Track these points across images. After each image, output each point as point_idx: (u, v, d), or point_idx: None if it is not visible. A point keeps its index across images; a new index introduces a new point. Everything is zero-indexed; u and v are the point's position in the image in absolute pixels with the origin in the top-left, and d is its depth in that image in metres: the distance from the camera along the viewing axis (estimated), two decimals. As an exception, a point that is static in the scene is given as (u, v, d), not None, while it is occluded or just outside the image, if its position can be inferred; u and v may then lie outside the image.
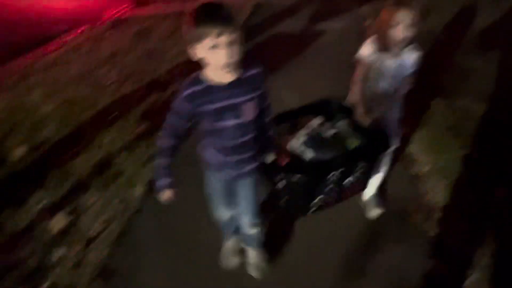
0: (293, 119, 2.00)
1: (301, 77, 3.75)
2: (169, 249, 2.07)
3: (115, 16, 6.09)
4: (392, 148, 2.08)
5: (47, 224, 2.22)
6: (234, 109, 1.39)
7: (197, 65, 1.35)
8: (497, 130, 2.86)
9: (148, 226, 2.21)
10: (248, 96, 1.40)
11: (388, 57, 1.90)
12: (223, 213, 1.80)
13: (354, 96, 1.98)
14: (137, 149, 2.79)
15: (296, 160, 1.81)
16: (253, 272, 1.94)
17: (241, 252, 1.98)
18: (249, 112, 1.42)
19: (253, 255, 1.95)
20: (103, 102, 3.43)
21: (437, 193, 2.35)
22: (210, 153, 1.55)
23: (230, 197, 1.71)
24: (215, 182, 1.66)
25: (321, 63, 4.07)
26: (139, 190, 2.43)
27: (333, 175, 1.77)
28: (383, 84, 1.96)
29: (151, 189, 2.37)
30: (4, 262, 1.99)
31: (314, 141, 1.89)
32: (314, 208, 1.89)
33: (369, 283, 1.88)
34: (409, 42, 1.85)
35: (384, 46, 1.89)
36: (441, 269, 1.91)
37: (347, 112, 1.98)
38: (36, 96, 3.62)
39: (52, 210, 2.31)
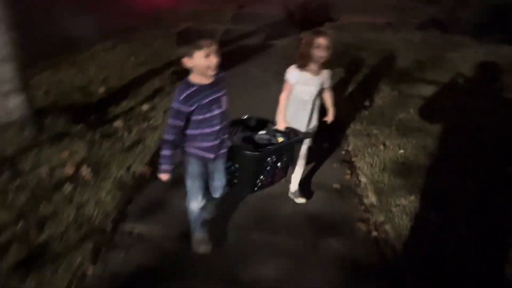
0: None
1: (261, 68, 6.36)
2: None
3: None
4: (306, 146, 2.91)
5: (138, 108, 4.55)
6: (217, 102, 2.07)
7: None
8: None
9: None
10: (223, 92, 2.11)
11: (310, 74, 2.61)
12: (198, 202, 2.34)
13: (279, 107, 2.70)
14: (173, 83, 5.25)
15: (247, 145, 2.43)
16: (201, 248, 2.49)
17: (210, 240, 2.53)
18: (225, 103, 2.13)
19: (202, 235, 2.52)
20: (140, 71, 5.84)
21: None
22: (199, 141, 2.12)
23: (205, 181, 2.32)
24: (197, 167, 2.21)
25: (271, 62, 6.79)
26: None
27: (271, 159, 2.42)
28: (307, 97, 2.67)
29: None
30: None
31: (249, 140, 2.56)
32: (258, 186, 2.49)
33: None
34: (325, 61, 2.56)
35: (306, 65, 2.57)
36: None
37: (265, 122, 2.73)
38: (93, 70, 5.94)
39: (137, 106, 4.64)
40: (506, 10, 7.01)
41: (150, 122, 4.19)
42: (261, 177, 2.48)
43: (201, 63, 1.96)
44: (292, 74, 2.66)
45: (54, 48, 7.34)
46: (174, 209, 2.87)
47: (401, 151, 3.64)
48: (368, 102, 4.74)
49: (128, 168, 3.25)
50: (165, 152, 2.09)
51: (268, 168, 2.47)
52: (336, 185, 3.31)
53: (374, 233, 2.74)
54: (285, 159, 2.58)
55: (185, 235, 2.57)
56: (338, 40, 7.58)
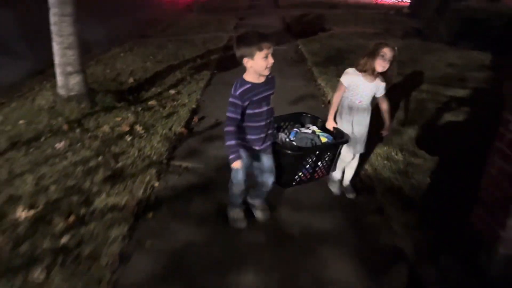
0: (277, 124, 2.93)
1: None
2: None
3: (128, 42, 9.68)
4: (359, 154, 3.19)
5: (166, 93, 5.61)
6: (266, 99, 2.38)
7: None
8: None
9: (213, 88, 5.72)
10: (272, 91, 2.41)
11: (365, 79, 2.82)
12: (239, 189, 2.66)
13: (331, 107, 2.98)
14: (191, 75, 6.33)
15: (285, 144, 2.74)
16: (261, 216, 2.90)
17: (246, 218, 2.86)
18: (271, 102, 2.44)
19: (261, 204, 2.92)
20: (161, 67, 6.91)
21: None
22: (249, 132, 2.41)
23: (249, 168, 2.59)
24: (245, 156, 2.46)
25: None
26: (202, 84, 5.93)
27: (311, 158, 2.67)
28: (357, 101, 2.90)
29: (209, 83, 5.91)
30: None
31: (296, 136, 2.86)
32: (296, 181, 2.73)
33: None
34: (384, 72, 2.76)
35: (365, 70, 2.78)
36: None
37: (316, 120, 3.04)
38: (119, 66, 7.01)
39: (164, 91, 5.70)
40: (475, 22, 8.27)
41: (179, 101, 5.24)
42: (300, 173, 2.74)
43: (260, 63, 2.23)
44: (346, 76, 2.92)
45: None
46: (208, 154, 3.91)
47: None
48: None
49: (170, 128, 4.29)
50: (230, 142, 2.29)
51: (308, 166, 2.73)
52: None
53: (358, 170, 3.80)
54: (327, 158, 2.82)
55: (218, 168, 3.60)
56: (331, 45, 8.86)
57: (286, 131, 2.99)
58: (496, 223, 2.49)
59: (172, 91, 5.65)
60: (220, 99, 5.40)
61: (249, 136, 2.45)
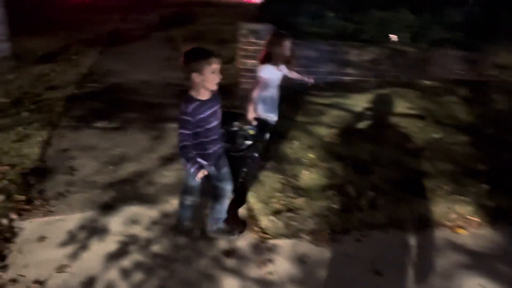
0: None
1: (144, 45, 10.44)
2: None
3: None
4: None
5: (70, 57, 8.20)
6: (215, 114, 2.51)
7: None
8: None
9: (104, 55, 8.47)
10: (218, 106, 2.55)
11: (276, 68, 3.27)
12: (188, 200, 2.86)
13: (250, 101, 3.24)
14: (85, 48, 8.98)
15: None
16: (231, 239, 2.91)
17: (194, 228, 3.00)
18: (220, 115, 2.59)
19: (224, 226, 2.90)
20: (60, 45, 9.36)
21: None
22: (200, 149, 2.53)
23: (200, 187, 2.80)
24: (207, 165, 2.59)
25: (150, 42, 10.87)
26: (95, 52, 8.63)
27: (250, 152, 2.98)
28: (276, 85, 3.38)
29: (101, 52, 8.65)
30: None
31: (226, 134, 2.89)
32: (241, 179, 3.04)
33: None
34: (286, 58, 3.27)
35: (278, 62, 3.25)
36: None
37: (237, 115, 3.12)
38: (27, 45, 9.28)
39: (68, 56, 8.27)
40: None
41: (79, 59, 7.92)
42: (244, 169, 3.04)
43: (209, 78, 2.34)
44: (267, 71, 3.27)
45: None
46: (105, 81, 6.75)
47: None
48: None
49: (79, 70, 7.03)
50: (189, 155, 2.46)
51: (248, 160, 3.05)
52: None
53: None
54: (259, 147, 3.24)
55: (110, 86, 6.44)
56: (195, 29, 12.12)
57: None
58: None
59: (74, 57, 8.24)
60: (109, 61, 8.18)
61: (202, 152, 2.57)
